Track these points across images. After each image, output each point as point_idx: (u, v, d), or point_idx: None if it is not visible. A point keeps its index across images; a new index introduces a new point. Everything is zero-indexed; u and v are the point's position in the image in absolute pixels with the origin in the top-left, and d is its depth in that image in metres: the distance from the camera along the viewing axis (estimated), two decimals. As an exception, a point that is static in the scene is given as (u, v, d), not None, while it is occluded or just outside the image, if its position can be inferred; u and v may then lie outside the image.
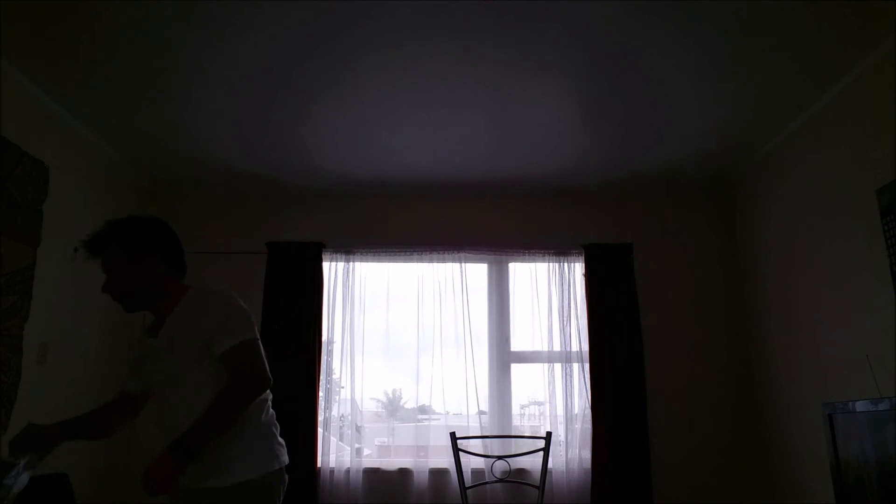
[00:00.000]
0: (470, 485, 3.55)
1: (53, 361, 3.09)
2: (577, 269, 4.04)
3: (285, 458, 1.91)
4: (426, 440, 3.85)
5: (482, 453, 3.67)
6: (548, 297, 4.02)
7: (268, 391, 1.88)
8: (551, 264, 4.06)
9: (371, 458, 3.95)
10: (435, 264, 4.07)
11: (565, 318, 3.95)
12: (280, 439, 1.92)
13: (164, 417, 1.84)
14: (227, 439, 1.75)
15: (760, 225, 3.74)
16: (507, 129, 3.41)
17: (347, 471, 3.71)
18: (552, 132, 3.45)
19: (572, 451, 3.76)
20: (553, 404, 3.86)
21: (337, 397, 3.97)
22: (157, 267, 1.89)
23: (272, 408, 1.94)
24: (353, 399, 3.88)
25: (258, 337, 1.84)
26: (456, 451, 3.51)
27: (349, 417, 3.86)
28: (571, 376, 3.86)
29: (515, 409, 4.00)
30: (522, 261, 4.11)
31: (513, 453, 3.59)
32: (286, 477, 1.90)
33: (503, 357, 4.04)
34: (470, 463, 3.65)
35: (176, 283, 1.93)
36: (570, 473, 3.72)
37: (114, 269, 1.88)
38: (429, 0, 2.38)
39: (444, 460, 3.72)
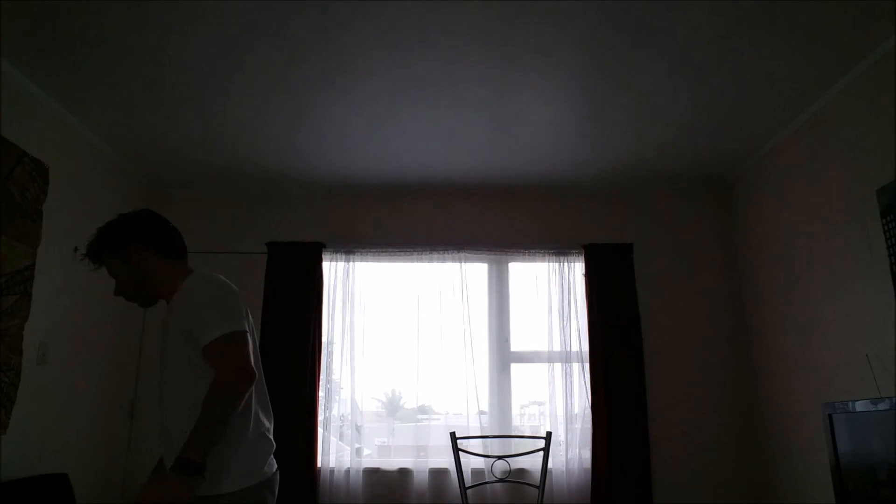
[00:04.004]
0: (470, 485, 3.55)
1: (53, 361, 3.09)
2: (577, 269, 4.04)
3: (274, 464, 1.86)
4: (426, 440, 3.84)
5: (482, 453, 3.67)
6: (548, 297, 4.01)
7: (251, 397, 1.81)
8: (551, 264, 4.06)
9: (371, 458, 3.95)
10: (435, 264, 4.07)
11: (565, 318, 3.94)
12: (268, 444, 1.85)
13: (160, 407, 1.84)
14: (216, 449, 1.68)
15: (760, 224, 3.73)
16: (507, 129, 3.41)
17: (347, 471, 3.71)
18: (552, 132, 3.45)
19: (572, 451, 3.76)
20: (553, 404, 3.86)
21: (337, 397, 3.97)
22: (149, 258, 1.90)
23: (264, 408, 1.88)
24: (353, 399, 3.88)
25: (245, 329, 1.77)
26: (456, 451, 3.51)
27: (349, 417, 3.86)
28: (571, 376, 3.86)
29: (515, 409, 3.99)
30: (522, 261, 4.11)
31: (513, 453, 3.59)
32: (277, 481, 1.86)
33: (503, 357, 4.04)
34: (470, 463, 3.65)
35: (175, 268, 1.92)
36: (570, 473, 3.72)
37: (115, 273, 1.92)
38: (429, 0, 2.38)
39: (444, 460, 3.72)
